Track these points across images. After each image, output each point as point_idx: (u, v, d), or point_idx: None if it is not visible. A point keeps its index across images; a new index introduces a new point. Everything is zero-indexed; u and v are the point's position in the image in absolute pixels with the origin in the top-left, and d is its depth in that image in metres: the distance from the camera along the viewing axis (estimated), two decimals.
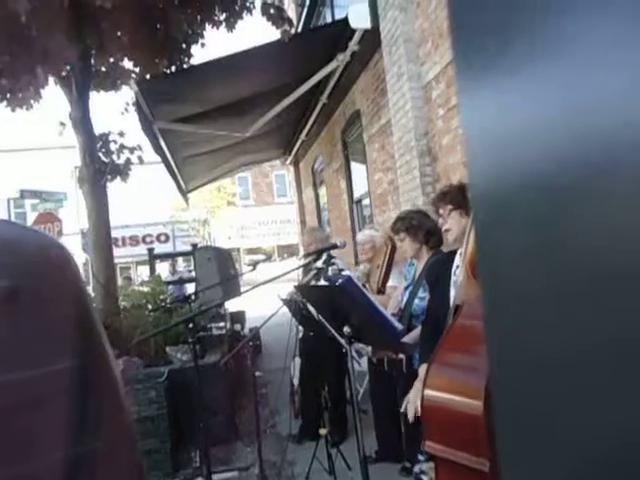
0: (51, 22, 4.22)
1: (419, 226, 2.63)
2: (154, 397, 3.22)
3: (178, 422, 3.38)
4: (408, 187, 4.43)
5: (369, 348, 2.89)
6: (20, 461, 0.38)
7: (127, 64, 5.48)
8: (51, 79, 5.02)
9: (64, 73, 4.94)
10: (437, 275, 2.09)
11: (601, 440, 0.21)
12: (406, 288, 2.75)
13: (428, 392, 1.44)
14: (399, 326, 2.07)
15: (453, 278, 1.95)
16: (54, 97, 5.80)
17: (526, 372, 0.26)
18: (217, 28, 5.35)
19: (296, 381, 3.76)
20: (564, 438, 0.24)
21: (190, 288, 7.74)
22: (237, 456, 3.49)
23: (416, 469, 2.73)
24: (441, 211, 2.09)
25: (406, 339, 2.19)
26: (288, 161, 11.70)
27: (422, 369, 1.78)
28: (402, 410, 1.92)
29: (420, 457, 2.65)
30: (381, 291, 3.23)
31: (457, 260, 1.97)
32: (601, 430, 0.21)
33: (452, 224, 2.04)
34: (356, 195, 7.41)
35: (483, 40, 0.27)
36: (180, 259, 20.63)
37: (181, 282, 7.98)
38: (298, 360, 3.68)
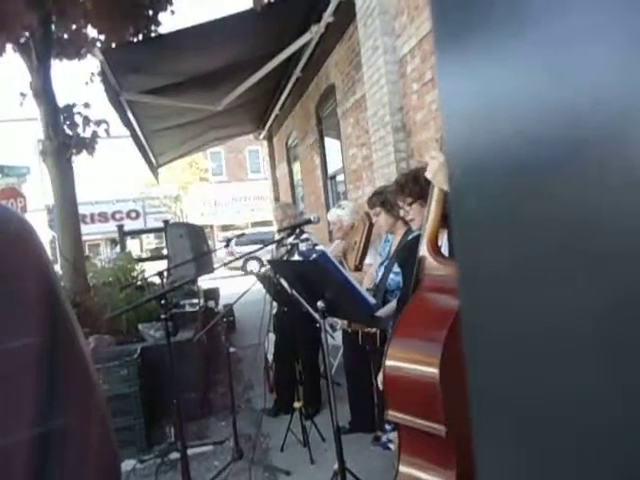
0: None
1: (396, 203, 2.65)
2: (126, 375, 3.19)
3: (152, 399, 3.37)
4: (382, 163, 4.43)
5: (344, 321, 2.92)
6: None
7: (91, 32, 5.23)
8: (9, 46, 4.76)
9: (23, 40, 4.69)
10: (407, 257, 2.13)
11: (576, 415, 0.22)
12: (381, 264, 2.78)
13: (389, 363, 1.48)
14: (373, 300, 2.09)
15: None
16: (14, 66, 5.51)
17: (501, 348, 0.26)
18: None
19: (270, 356, 3.79)
20: (539, 418, 0.24)
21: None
22: (212, 431, 3.52)
23: (384, 438, 2.83)
24: (400, 203, 2.14)
25: (380, 313, 2.22)
26: (261, 136, 11.53)
27: None
28: (380, 387, 1.96)
29: (387, 427, 2.73)
30: (358, 268, 3.25)
31: (421, 241, 2.03)
32: (576, 404, 0.22)
33: (414, 214, 2.08)
34: (330, 171, 7.38)
35: (463, 8, 0.27)
36: (151, 236, 20.29)
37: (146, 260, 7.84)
38: (272, 335, 3.70)
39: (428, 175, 1.64)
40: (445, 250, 1.69)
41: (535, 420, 0.24)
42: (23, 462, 0.38)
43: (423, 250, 1.63)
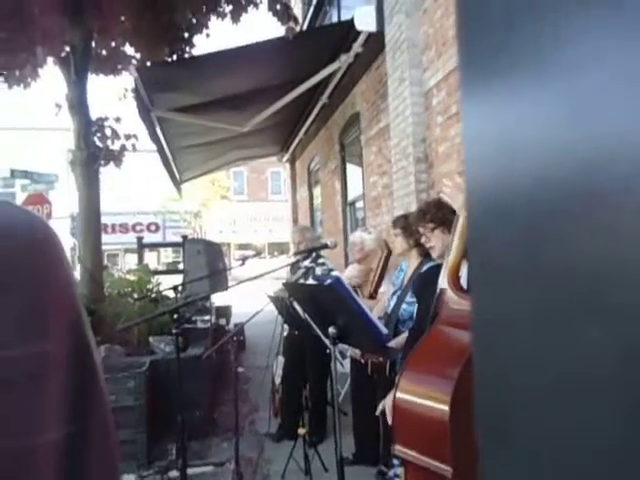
0: (54, 3, 4.18)
1: (416, 231, 2.64)
2: (133, 387, 3.18)
3: (156, 413, 3.36)
4: (403, 192, 4.44)
5: (355, 349, 2.88)
6: None
7: (128, 49, 5.44)
8: (50, 59, 4.97)
9: (64, 54, 4.89)
10: (424, 287, 2.11)
11: (591, 462, 0.21)
12: (394, 293, 2.75)
13: (399, 395, 1.44)
14: (385, 330, 2.07)
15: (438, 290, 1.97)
16: (52, 78, 5.74)
17: (513, 392, 0.26)
18: (222, 19, 5.33)
19: (278, 379, 3.75)
20: (548, 449, 0.23)
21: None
22: (213, 451, 3.47)
23: (390, 473, 2.75)
24: (422, 229, 2.13)
25: (392, 344, 2.19)
26: (285, 159, 11.68)
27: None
28: (377, 413, 1.92)
29: (395, 461, 2.66)
30: (372, 296, 3.23)
31: (441, 273, 2.00)
32: (591, 452, 0.21)
33: (435, 242, 2.07)
34: (350, 197, 7.41)
35: (490, 47, 0.27)
36: (169, 250, 20.50)
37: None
38: (281, 358, 3.66)
39: (448, 199, 1.63)
40: (464, 282, 1.66)
41: (546, 466, 0.24)
42: (32, 466, 0.38)
43: (443, 282, 1.60)
